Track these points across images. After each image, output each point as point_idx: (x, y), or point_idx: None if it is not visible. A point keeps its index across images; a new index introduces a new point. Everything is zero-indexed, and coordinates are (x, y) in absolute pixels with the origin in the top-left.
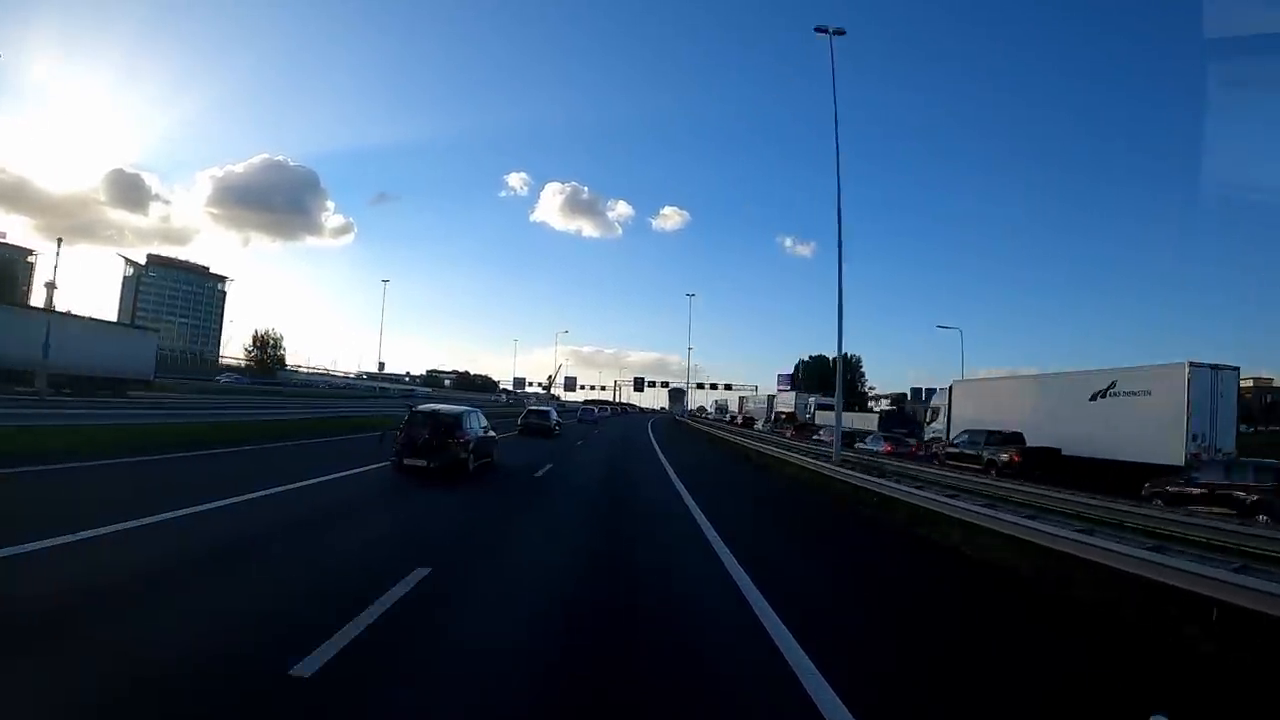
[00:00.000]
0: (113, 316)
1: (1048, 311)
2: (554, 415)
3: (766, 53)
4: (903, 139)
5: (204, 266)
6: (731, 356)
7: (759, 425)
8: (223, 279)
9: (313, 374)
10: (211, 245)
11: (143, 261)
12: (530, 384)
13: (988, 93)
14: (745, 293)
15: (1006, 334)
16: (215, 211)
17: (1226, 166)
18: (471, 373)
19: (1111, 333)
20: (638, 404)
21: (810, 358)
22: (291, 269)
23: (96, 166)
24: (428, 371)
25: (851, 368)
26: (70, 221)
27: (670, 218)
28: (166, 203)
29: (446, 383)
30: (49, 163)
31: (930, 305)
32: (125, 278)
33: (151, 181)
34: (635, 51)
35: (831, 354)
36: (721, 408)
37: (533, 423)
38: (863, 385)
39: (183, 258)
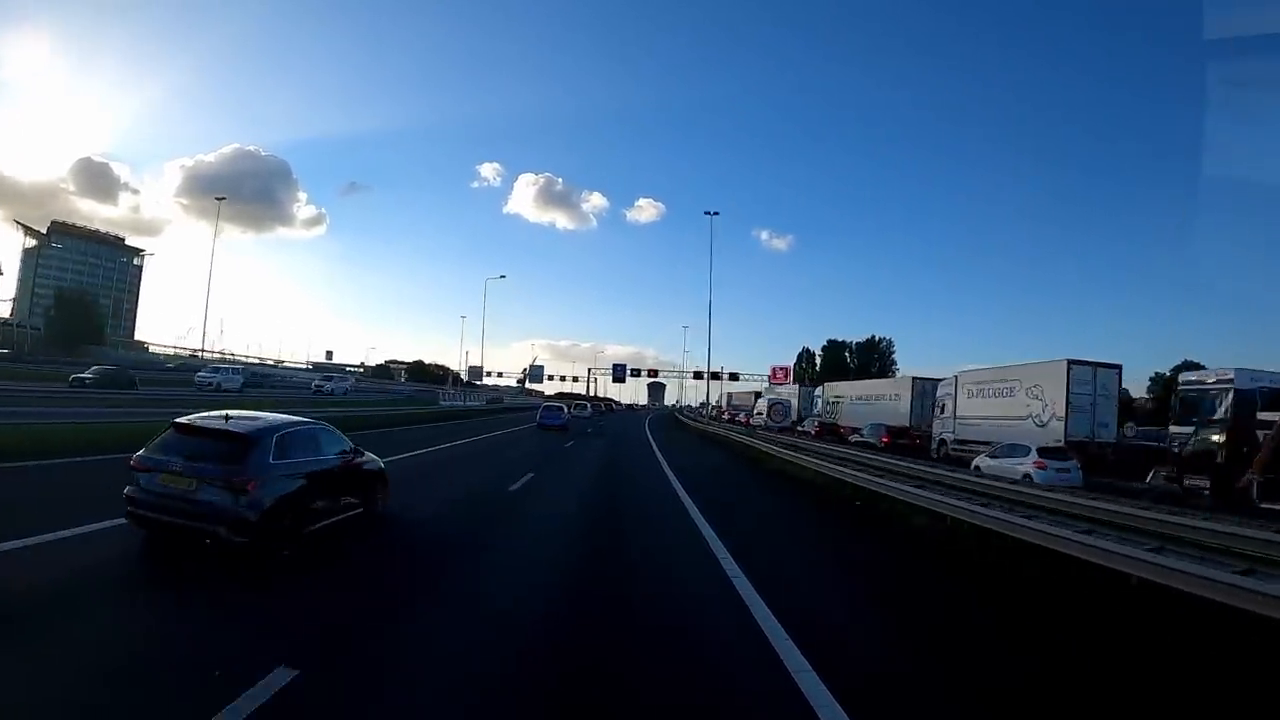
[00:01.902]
0: (9, 292)
1: (1043, 307)
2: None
3: (744, 45)
4: (902, 137)
5: (117, 237)
6: (706, 349)
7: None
8: (138, 252)
9: (221, 359)
10: (182, 236)
11: (44, 230)
12: (489, 374)
13: (985, 90)
14: (722, 286)
15: (1004, 329)
16: (185, 202)
17: (1226, 165)
18: (426, 362)
19: (1116, 328)
20: (616, 397)
21: (830, 342)
22: (263, 260)
23: (65, 155)
24: (387, 361)
25: (881, 353)
26: (39, 211)
27: (645, 209)
28: (135, 192)
29: (403, 376)
30: (15, 151)
31: (925, 301)
32: (25, 250)
33: (121, 171)
34: (609, 42)
35: (850, 338)
36: (783, 407)
37: (144, 502)
38: (892, 372)
39: (93, 226)
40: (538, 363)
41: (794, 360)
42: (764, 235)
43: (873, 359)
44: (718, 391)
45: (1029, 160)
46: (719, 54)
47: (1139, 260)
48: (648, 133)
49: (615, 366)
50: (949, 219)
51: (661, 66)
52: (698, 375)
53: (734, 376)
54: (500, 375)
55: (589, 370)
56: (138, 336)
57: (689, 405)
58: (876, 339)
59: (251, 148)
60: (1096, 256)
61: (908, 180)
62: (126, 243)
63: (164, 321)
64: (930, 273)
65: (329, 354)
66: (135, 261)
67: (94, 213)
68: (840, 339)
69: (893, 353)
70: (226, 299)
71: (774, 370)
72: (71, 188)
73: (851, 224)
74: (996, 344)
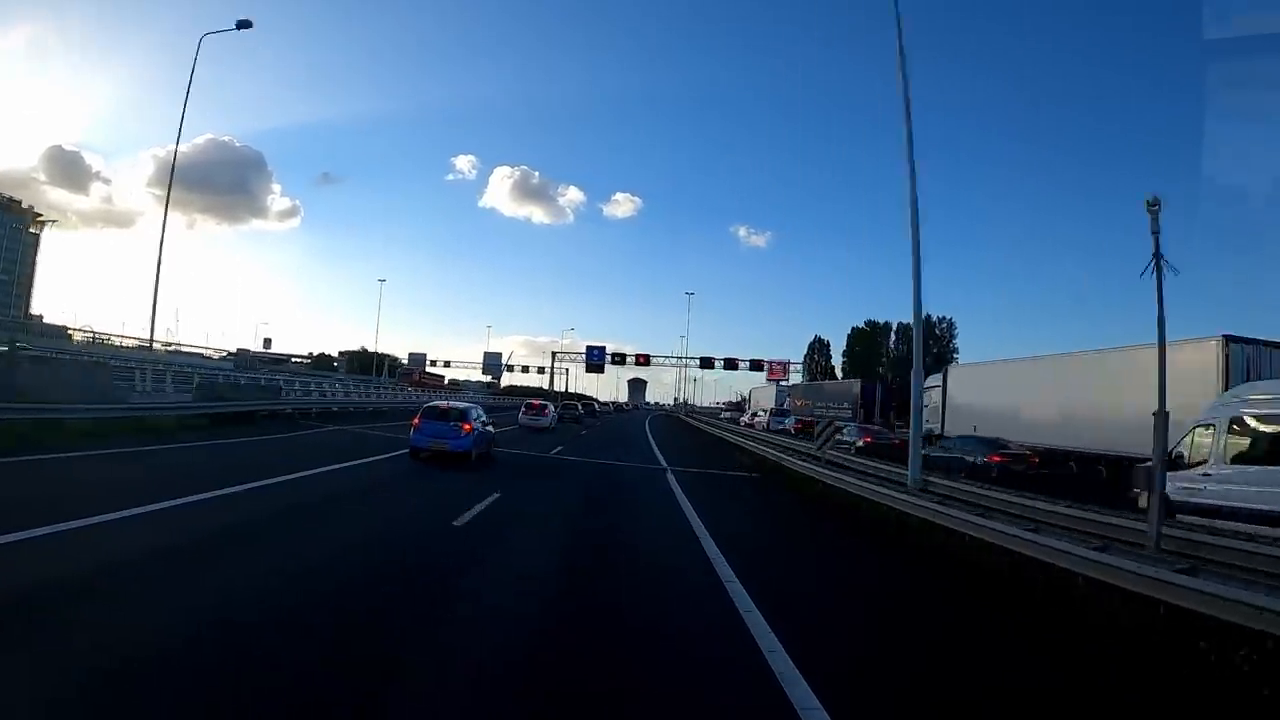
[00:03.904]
0: None
1: (1046, 302)
2: None
3: (729, 33)
4: (893, 130)
5: (13, 199)
6: (691, 347)
7: None
8: (37, 217)
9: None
10: (155, 228)
11: None
12: (434, 362)
13: (979, 85)
14: (700, 285)
15: (1006, 325)
16: (159, 193)
17: (1225, 163)
18: (370, 349)
19: (1121, 323)
20: (594, 394)
21: (868, 323)
22: (237, 252)
23: (34, 143)
24: (339, 352)
25: (937, 339)
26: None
27: (622, 204)
28: (107, 182)
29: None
30: None
31: (926, 297)
32: None
33: (93, 160)
34: (587, 32)
35: (884, 319)
36: None
37: None
38: (951, 359)
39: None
40: (494, 350)
41: (803, 353)
42: (742, 231)
43: (926, 347)
44: (736, 386)
45: (1024, 152)
46: (702, 44)
47: (1136, 254)
48: (625, 125)
49: (590, 350)
50: (947, 216)
51: (642, 57)
52: (709, 364)
53: (757, 365)
54: (448, 365)
55: (553, 356)
56: (53, 319)
57: (737, 408)
58: (934, 319)
59: (225, 138)
60: (1096, 250)
61: (897, 172)
62: (23, 206)
63: (132, 309)
64: (930, 268)
65: (267, 342)
66: (30, 229)
67: (67, 203)
68: (880, 320)
69: (953, 338)
70: (200, 291)
71: (771, 366)
72: (42, 177)
73: (844, 220)
74: (993, 336)
